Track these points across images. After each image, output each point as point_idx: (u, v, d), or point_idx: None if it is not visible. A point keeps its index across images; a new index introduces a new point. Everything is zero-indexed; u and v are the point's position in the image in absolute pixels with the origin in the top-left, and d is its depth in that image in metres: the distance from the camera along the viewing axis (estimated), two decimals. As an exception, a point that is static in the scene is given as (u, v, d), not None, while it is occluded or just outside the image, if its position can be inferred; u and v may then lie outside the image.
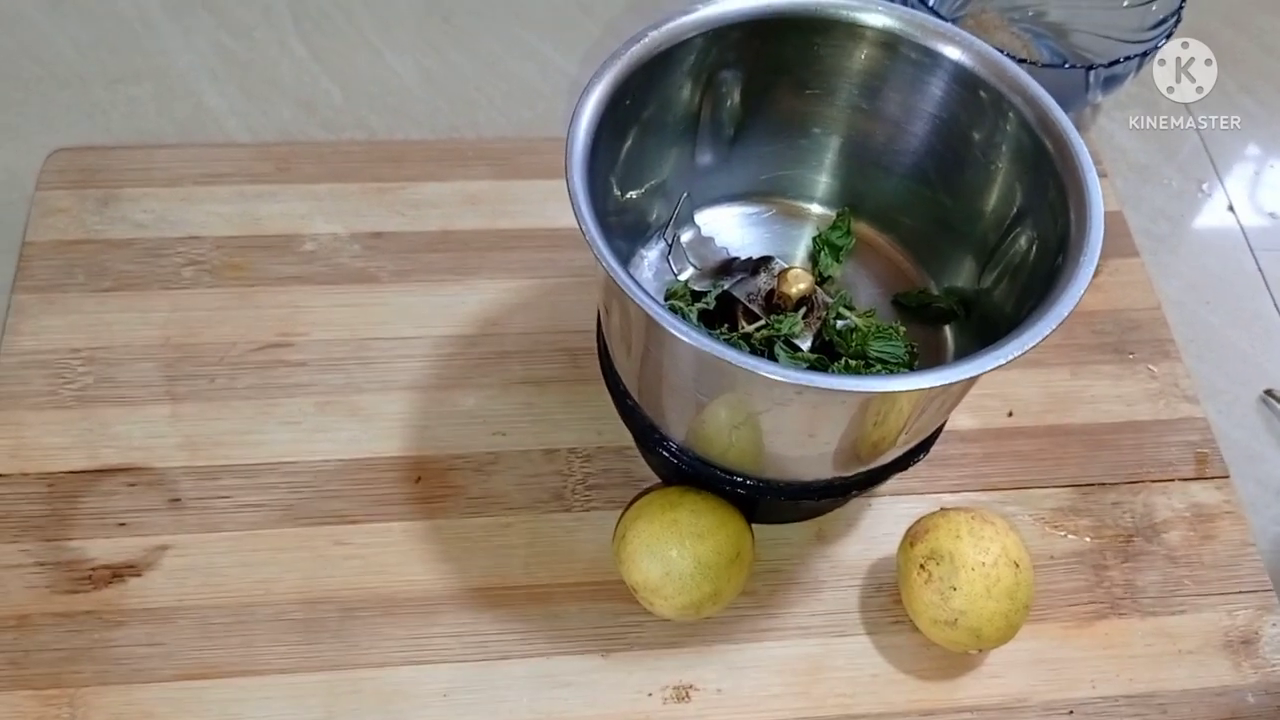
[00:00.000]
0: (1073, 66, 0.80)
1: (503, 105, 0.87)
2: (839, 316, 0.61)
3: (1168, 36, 0.80)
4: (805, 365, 0.59)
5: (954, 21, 0.71)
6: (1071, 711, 0.62)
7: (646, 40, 0.56)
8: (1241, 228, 0.86)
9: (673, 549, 0.59)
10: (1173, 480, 0.71)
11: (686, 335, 0.47)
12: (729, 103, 0.63)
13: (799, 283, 0.61)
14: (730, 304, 0.62)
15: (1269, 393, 0.77)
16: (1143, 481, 0.71)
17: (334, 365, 0.71)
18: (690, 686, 0.62)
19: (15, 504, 0.65)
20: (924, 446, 0.62)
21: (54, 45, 0.87)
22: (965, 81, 0.58)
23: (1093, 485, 0.70)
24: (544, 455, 0.69)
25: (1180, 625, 0.66)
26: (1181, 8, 0.81)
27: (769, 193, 0.68)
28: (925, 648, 0.63)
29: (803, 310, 0.60)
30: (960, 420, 0.71)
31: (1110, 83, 0.82)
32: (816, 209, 0.68)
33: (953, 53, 0.58)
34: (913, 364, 0.61)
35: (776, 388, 0.49)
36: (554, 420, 0.70)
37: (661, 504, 0.61)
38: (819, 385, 0.47)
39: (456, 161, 0.80)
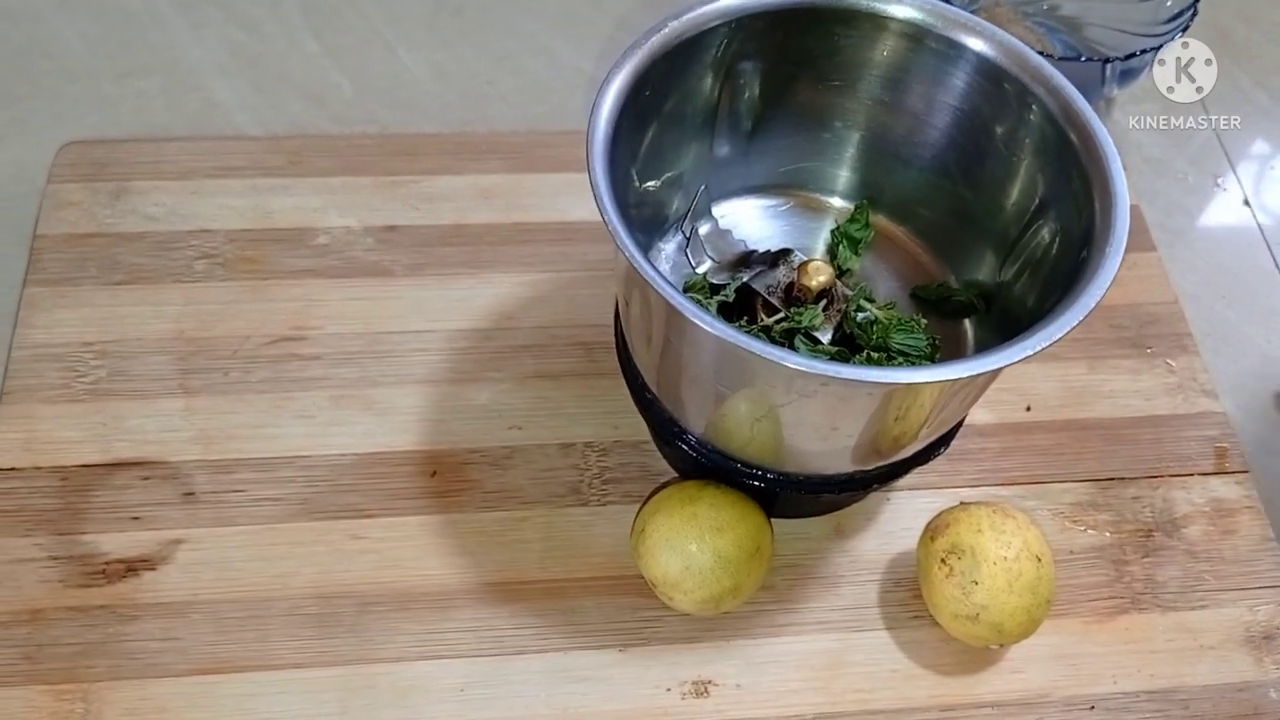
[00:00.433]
0: (1089, 60, 0.80)
1: (514, 100, 0.87)
2: (859, 309, 0.61)
3: (1184, 30, 0.80)
4: (827, 358, 0.58)
5: (972, 14, 0.70)
6: (1093, 707, 0.62)
7: (666, 30, 0.56)
8: (1258, 222, 0.85)
9: (692, 543, 0.58)
10: (1192, 475, 0.70)
11: (710, 325, 0.47)
12: (748, 94, 0.62)
13: (819, 275, 0.60)
14: (749, 297, 0.61)
15: (1287, 387, 0.77)
16: (1162, 476, 0.70)
17: (348, 359, 0.70)
18: (709, 682, 0.62)
19: (28, 498, 0.64)
20: (944, 440, 0.61)
21: (63, 39, 0.87)
22: (988, 73, 0.58)
23: (1112, 480, 0.70)
24: (560, 449, 0.68)
25: (1201, 620, 0.65)
26: (1197, 1, 0.81)
27: (787, 185, 0.67)
28: (945, 643, 0.63)
29: (823, 303, 0.60)
30: (978, 415, 0.71)
31: (1126, 76, 0.82)
32: (835, 201, 0.68)
33: (976, 44, 0.58)
34: (934, 357, 0.60)
35: (801, 379, 0.49)
36: (570, 414, 0.69)
37: (681, 498, 0.60)
38: (845, 376, 0.47)
39: (470, 155, 0.80)
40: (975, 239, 0.63)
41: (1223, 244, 0.84)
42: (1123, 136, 0.88)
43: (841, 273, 0.65)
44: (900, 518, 0.67)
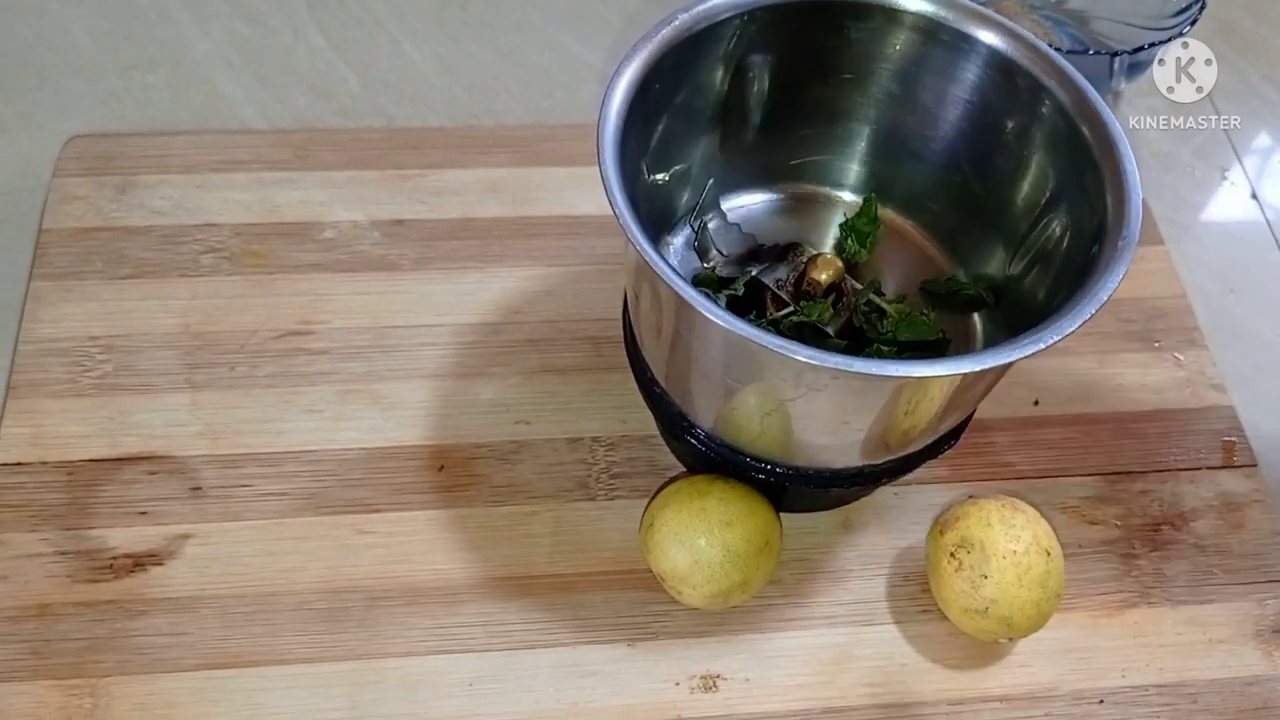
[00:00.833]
0: (1097, 53, 0.80)
1: (521, 94, 0.86)
2: (869, 303, 0.61)
3: (1192, 23, 0.80)
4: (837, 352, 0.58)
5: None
6: (1102, 701, 0.62)
7: (676, 23, 0.56)
8: (1265, 216, 0.85)
9: (701, 537, 0.58)
10: (1200, 469, 0.70)
11: (720, 318, 0.47)
12: (757, 88, 0.62)
13: (829, 269, 0.60)
14: (758, 291, 0.61)
15: (1295, 382, 0.77)
16: (1171, 470, 0.70)
17: (355, 353, 0.70)
18: (718, 676, 0.61)
19: (35, 493, 0.64)
20: (954, 435, 0.61)
21: (69, 33, 0.86)
22: (1000, 66, 0.58)
23: (1120, 474, 0.70)
24: (567, 444, 0.68)
25: (1210, 614, 0.65)
26: (1207, -6, 0.80)
27: (796, 179, 0.67)
28: (953, 637, 0.63)
29: (832, 297, 0.60)
30: (987, 409, 0.71)
31: (1134, 70, 0.81)
32: (844, 195, 0.67)
33: (987, 37, 0.58)
34: (944, 351, 0.60)
35: (811, 372, 0.49)
36: (577, 409, 0.69)
37: (690, 492, 0.60)
38: (856, 370, 0.46)
39: (477, 149, 0.80)
40: (985, 233, 0.63)
41: (1230, 238, 0.84)
42: (1129, 131, 0.88)
43: (851, 266, 0.64)
44: (909, 512, 0.67)
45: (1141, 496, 0.69)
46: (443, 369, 0.70)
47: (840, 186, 0.67)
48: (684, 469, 0.67)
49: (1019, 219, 0.60)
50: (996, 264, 0.63)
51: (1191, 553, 0.67)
